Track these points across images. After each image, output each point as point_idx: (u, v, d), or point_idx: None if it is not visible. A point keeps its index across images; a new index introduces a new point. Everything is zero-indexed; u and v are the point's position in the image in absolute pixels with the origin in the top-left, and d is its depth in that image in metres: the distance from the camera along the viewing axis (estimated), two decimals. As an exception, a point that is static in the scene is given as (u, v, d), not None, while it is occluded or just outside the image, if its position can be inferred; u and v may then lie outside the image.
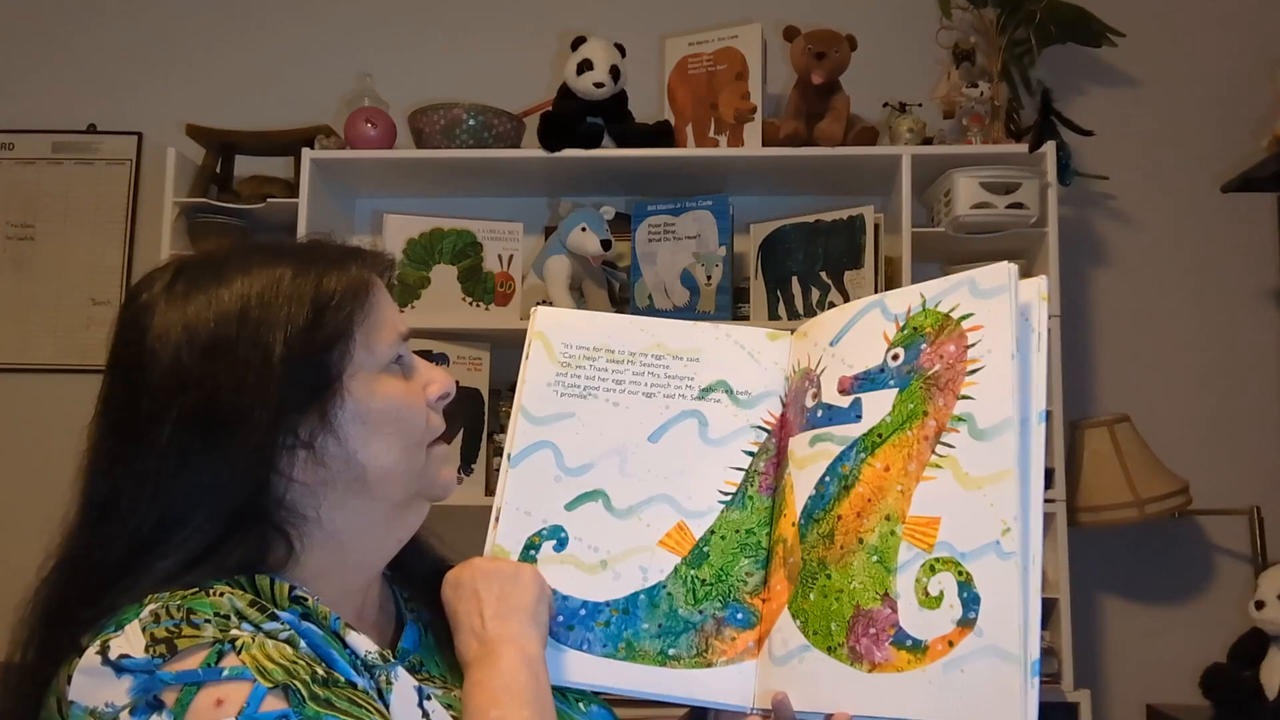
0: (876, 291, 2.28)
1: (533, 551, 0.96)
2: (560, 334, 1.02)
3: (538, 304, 2.47)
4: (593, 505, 0.96)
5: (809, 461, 0.92)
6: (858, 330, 0.93)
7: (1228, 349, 2.54)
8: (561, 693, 0.94)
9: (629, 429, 0.98)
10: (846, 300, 2.31)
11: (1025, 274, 0.88)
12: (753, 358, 0.99)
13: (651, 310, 2.39)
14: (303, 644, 0.74)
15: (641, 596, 0.93)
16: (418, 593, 0.97)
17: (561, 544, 0.96)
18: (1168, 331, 2.56)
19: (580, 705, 0.94)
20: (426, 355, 0.94)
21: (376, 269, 0.89)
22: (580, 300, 2.41)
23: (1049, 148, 2.30)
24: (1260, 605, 2.14)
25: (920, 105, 2.43)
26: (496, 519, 0.97)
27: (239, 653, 0.70)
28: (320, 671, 0.72)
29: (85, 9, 2.80)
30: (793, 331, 1.01)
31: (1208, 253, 2.57)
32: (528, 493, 0.97)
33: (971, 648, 0.78)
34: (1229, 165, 2.49)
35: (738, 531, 0.94)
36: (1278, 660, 2.15)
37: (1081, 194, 2.57)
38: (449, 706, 0.82)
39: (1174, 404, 2.52)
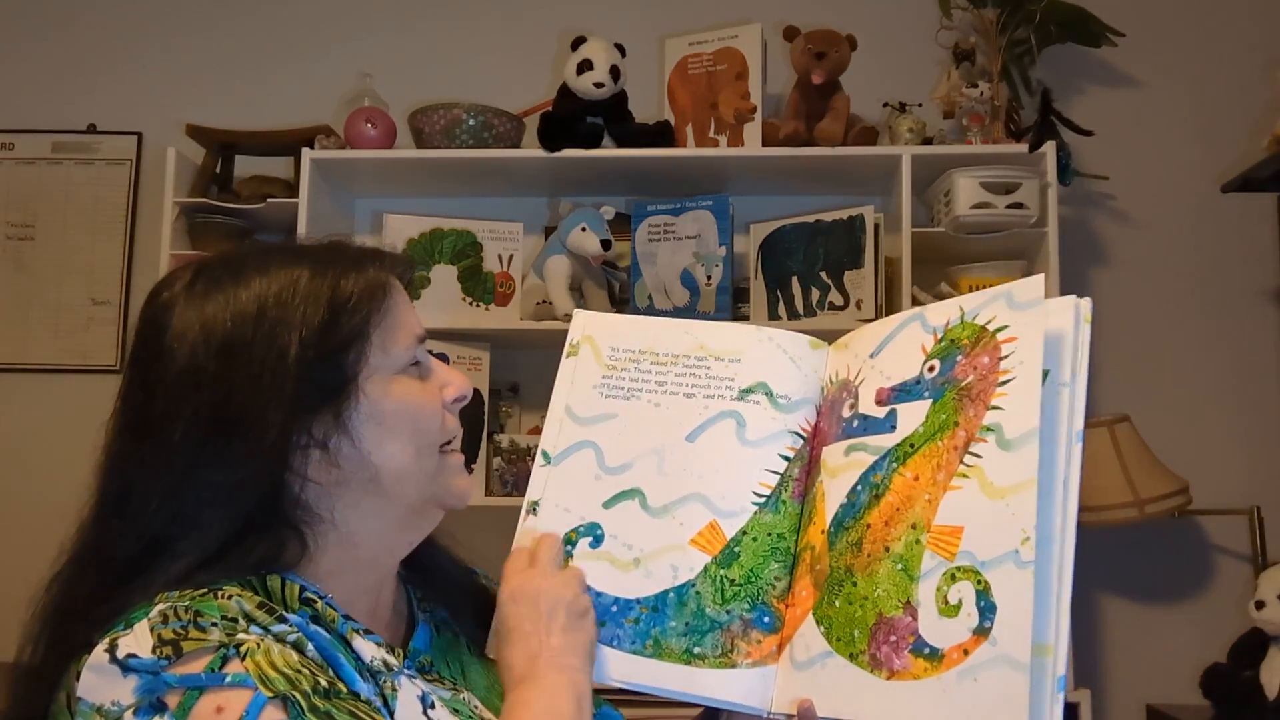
0: (876, 292, 2.29)
1: (570, 548, 0.96)
2: (608, 338, 1.04)
3: (538, 303, 2.45)
4: (629, 503, 0.97)
5: (842, 470, 0.92)
6: (897, 342, 0.94)
7: (1228, 349, 2.54)
8: None
9: (668, 429, 0.98)
10: (846, 300, 2.31)
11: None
12: (794, 363, 0.99)
13: (651, 310, 2.39)
14: (310, 647, 0.75)
15: (671, 594, 0.93)
16: (432, 592, 0.98)
17: (598, 541, 0.96)
18: (1168, 331, 2.56)
19: None
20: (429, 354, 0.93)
21: (394, 271, 0.89)
22: (580, 300, 2.41)
23: (1049, 148, 2.30)
24: (1260, 605, 2.14)
25: (920, 105, 2.44)
26: (532, 511, 0.98)
27: (243, 659, 0.70)
28: (323, 682, 0.72)
29: (85, 9, 2.80)
30: (831, 342, 1.01)
31: (1208, 253, 2.57)
32: (568, 490, 0.98)
33: (985, 657, 0.78)
34: (1229, 165, 2.49)
35: (769, 534, 0.94)
36: (1278, 660, 2.15)
37: (1081, 194, 2.57)
38: (456, 711, 0.83)
39: (1174, 404, 2.52)
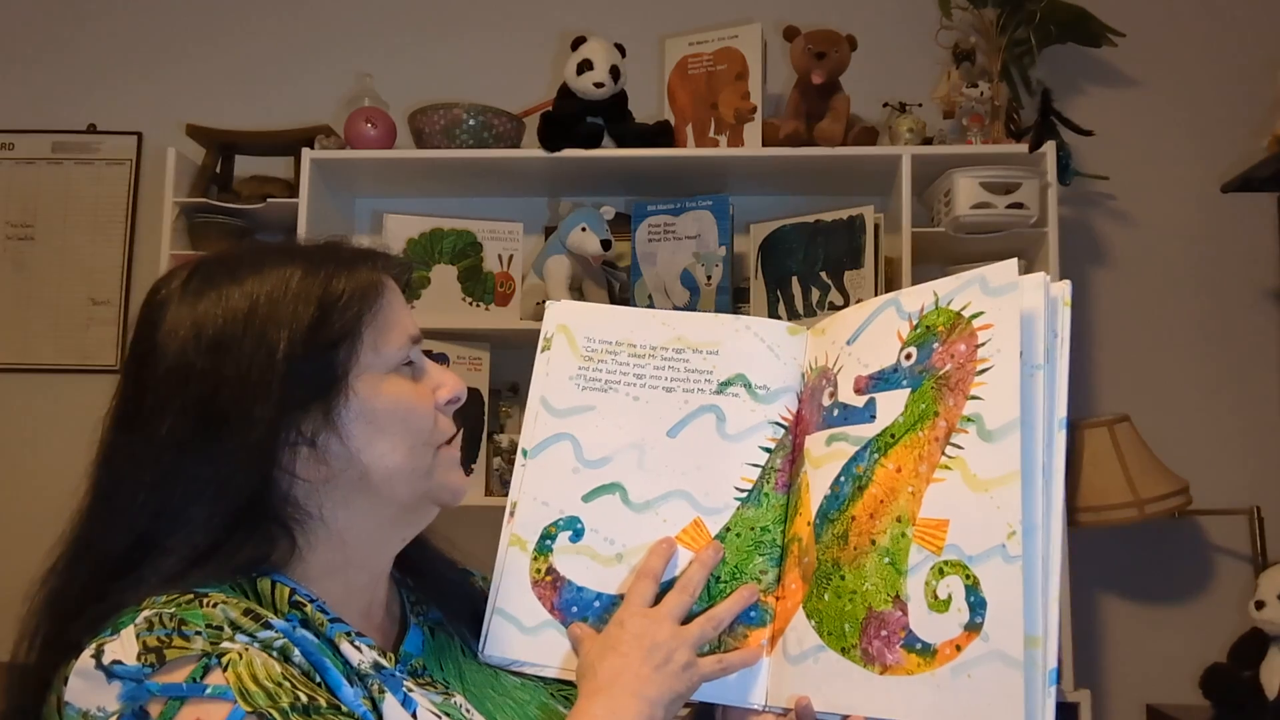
0: (876, 292, 2.29)
1: (549, 541, 0.96)
2: (583, 328, 1.02)
3: (538, 303, 2.45)
4: (610, 498, 0.96)
5: (825, 461, 0.91)
6: (873, 329, 0.93)
7: (1228, 349, 2.54)
8: (551, 691, 0.95)
9: (648, 424, 0.98)
10: (846, 300, 2.31)
11: (1025, 274, 0.86)
12: (772, 351, 0.98)
13: (651, 310, 2.39)
14: (296, 653, 0.75)
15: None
16: (427, 594, 0.97)
17: (578, 535, 0.96)
18: (1168, 331, 2.56)
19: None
20: (426, 355, 0.93)
21: (390, 271, 0.89)
22: (580, 300, 2.41)
23: (1049, 148, 2.30)
24: (1260, 605, 2.14)
25: (920, 105, 2.43)
26: (511, 513, 0.98)
27: (225, 669, 0.70)
28: (303, 697, 0.71)
29: (85, 9, 2.80)
30: (810, 327, 1.00)
31: (1208, 253, 2.57)
32: (545, 483, 0.97)
33: (978, 652, 0.78)
34: (1229, 165, 2.49)
35: (753, 529, 0.94)
36: (1278, 660, 2.14)
37: (1081, 194, 2.57)
38: (447, 715, 0.82)
39: (1174, 404, 2.52)
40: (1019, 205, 2.25)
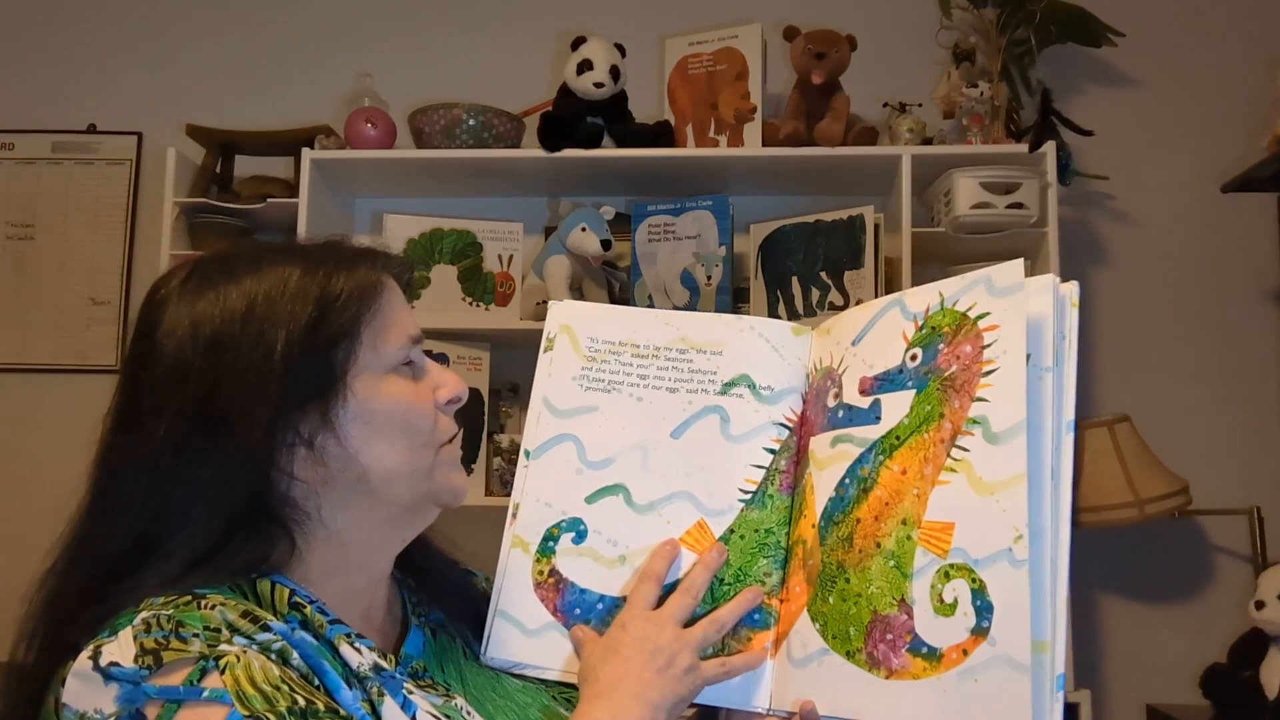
0: (877, 292, 2.28)
1: (551, 543, 0.95)
2: (586, 328, 1.01)
3: (538, 303, 2.45)
4: (613, 500, 0.96)
5: (829, 462, 0.91)
6: (878, 330, 0.92)
7: (1228, 349, 2.54)
8: (553, 694, 0.94)
9: (652, 425, 0.97)
10: (847, 300, 2.31)
11: (1026, 274, 0.85)
12: (776, 351, 0.98)
13: (651, 310, 2.39)
14: (295, 656, 0.74)
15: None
16: (428, 595, 0.97)
17: (580, 536, 0.95)
18: (1168, 331, 2.56)
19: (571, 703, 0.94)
20: (426, 355, 0.93)
21: (389, 270, 0.89)
22: (580, 300, 2.41)
23: (1049, 148, 2.30)
24: (1260, 605, 2.14)
25: (920, 105, 2.43)
26: (514, 514, 0.97)
27: (223, 672, 0.69)
28: (300, 701, 0.71)
29: (85, 9, 2.80)
30: (814, 327, 1.00)
31: (1208, 253, 2.57)
32: (548, 484, 0.97)
33: (985, 657, 0.77)
34: (1229, 165, 2.49)
35: (757, 531, 0.93)
36: (1278, 660, 2.14)
37: (1081, 194, 2.57)
38: (447, 717, 0.82)
39: (1174, 404, 2.52)
40: (1019, 205, 2.25)
